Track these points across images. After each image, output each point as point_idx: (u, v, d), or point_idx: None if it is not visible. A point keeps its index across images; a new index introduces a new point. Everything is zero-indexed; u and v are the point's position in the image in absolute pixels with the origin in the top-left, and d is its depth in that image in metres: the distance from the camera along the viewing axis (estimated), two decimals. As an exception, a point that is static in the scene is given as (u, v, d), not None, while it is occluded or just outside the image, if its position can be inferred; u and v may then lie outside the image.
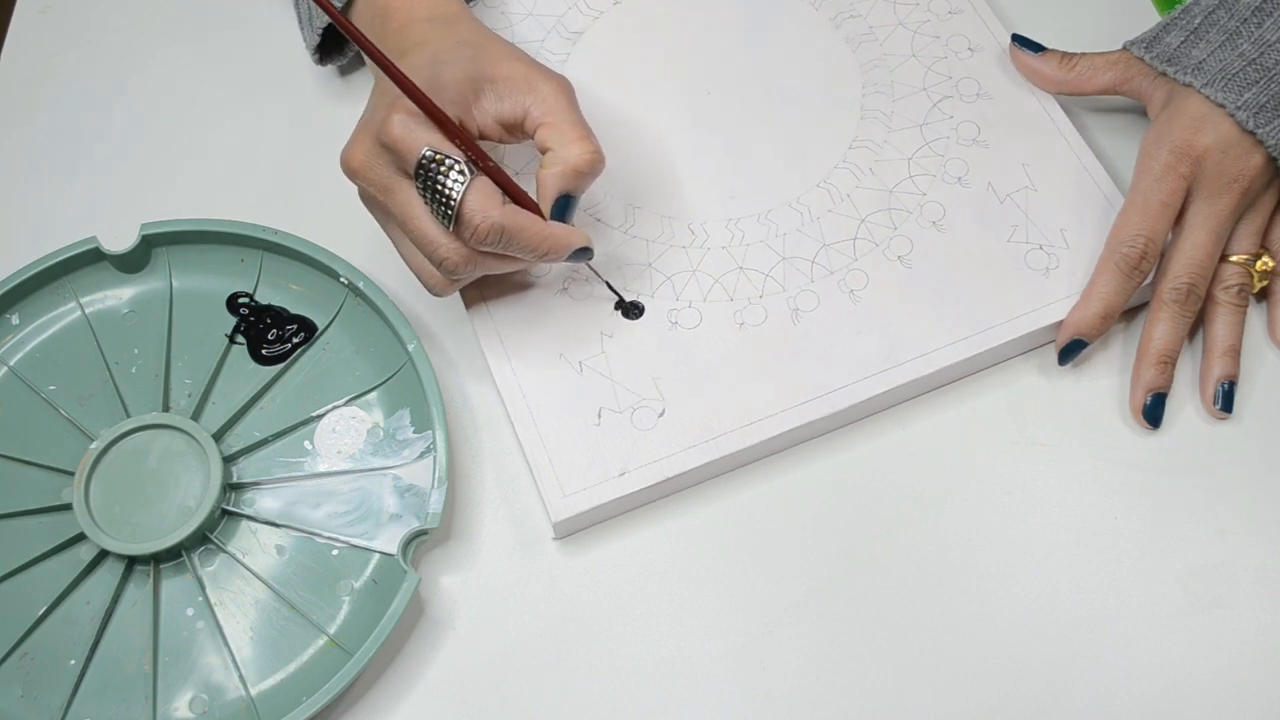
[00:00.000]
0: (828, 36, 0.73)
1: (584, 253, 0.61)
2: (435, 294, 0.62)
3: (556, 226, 0.60)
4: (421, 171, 0.58)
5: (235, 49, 0.76)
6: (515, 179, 0.60)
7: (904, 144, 0.69)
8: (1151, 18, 0.74)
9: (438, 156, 0.57)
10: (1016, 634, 0.59)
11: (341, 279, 0.65)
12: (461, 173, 0.57)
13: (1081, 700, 0.58)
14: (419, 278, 0.62)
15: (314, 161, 0.71)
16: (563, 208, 0.60)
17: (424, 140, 0.58)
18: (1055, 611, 0.60)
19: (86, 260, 0.66)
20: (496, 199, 0.58)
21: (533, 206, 0.60)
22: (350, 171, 0.61)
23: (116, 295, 0.66)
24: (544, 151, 0.60)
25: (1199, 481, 0.62)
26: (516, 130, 0.61)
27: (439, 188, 0.57)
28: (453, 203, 0.57)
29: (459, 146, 0.58)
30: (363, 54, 0.68)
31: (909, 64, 0.72)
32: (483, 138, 0.61)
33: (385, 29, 0.64)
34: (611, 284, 0.65)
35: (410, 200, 0.59)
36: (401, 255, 0.62)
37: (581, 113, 0.61)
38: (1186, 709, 0.58)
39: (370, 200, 0.62)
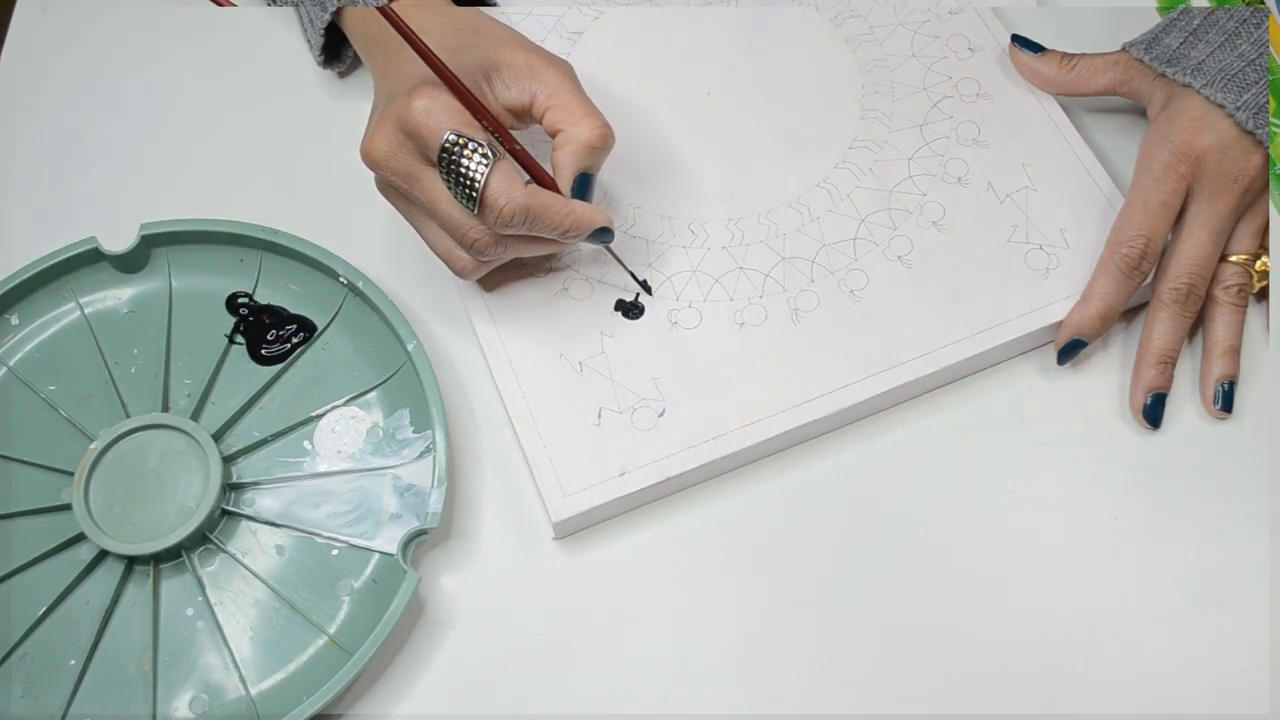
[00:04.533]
0: (828, 37, 0.73)
1: (605, 234, 0.62)
2: (464, 278, 0.63)
3: (579, 204, 0.61)
4: (445, 155, 0.58)
5: (235, 49, 0.76)
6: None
7: (904, 144, 0.69)
8: (1151, 18, 0.74)
9: (460, 140, 0.58)
10: (1016, 633, 0.59)
11: (341, 279, 0.65)
12: (485, 156, 0.58)
13: (1081, 700, 0.58)
14: (446, 262, 0.62)
15: (314, 161, 0.71)
16: (582, 187, 0.61)
17: (446, 124, 0.58)
18: (1055, 611, 0.60)
19: (86, 260, 0.66)
20: (519, 181, 0.59)
21: (554, 187, 0.61)
22: (373, 163, 0.61)
23: (116, 295, 0.66)
24: (554, 134, 0.61)
25: (1199, 481, 0.62)
26: (525, 116, 0.62)
27: (463, 172, 0.58)
28: (476, 186, 0.58)
29: (484, 128, 0.59)
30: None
31: (909, 64, 0.72)
32: None
33: (378, 17, 0.64)
34: (634, 273, 0.66)
35: (436, 187, 0.59)
36: (427, 241, 0.62)
37: (586, 93, 0.62)
38: (1186, 709, 0.58)
39: (391, 190, 0.62)
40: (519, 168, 0.60)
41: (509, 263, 0.65)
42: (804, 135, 0.70)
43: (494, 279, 0.66)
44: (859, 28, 0.73)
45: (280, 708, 0.57)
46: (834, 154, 0.69)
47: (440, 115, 0.58)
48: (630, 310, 0.65)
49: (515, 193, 0.58)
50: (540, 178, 0.61)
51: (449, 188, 0.59)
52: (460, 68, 0.60)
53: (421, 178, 0.60)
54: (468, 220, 0.59)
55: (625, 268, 0.65)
